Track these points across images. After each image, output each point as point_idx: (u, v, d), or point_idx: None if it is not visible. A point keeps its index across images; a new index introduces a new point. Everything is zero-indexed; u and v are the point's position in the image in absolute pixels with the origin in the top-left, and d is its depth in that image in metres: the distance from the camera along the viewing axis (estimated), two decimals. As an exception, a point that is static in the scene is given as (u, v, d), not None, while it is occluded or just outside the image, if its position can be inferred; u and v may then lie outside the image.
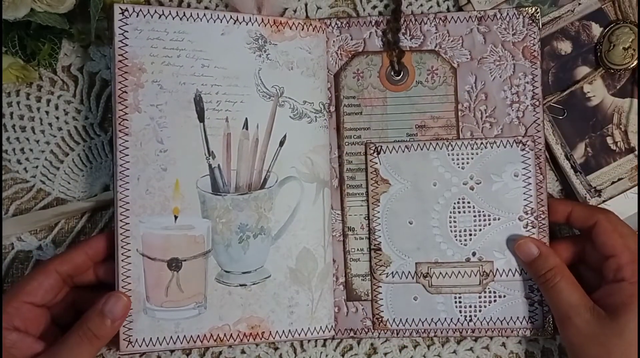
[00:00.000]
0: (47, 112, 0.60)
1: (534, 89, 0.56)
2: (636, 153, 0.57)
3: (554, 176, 0.59)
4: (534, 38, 0.56)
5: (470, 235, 0.56)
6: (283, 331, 0.55)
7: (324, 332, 0.56)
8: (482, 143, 0.56)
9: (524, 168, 0.56)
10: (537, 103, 0.56)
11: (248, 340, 0.55)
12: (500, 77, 0.57)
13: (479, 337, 0.58)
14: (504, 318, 0.56)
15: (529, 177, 0.56)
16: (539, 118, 0.56)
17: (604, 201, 0.57)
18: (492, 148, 0.56)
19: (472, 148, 0.56)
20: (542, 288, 0.54)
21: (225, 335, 0.54)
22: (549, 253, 0.54)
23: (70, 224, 0.60)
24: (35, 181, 0.60)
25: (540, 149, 0.56)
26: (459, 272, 0.56)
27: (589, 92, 0.58)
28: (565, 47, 0.58)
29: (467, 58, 0.57)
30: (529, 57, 0.56)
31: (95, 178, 0.60)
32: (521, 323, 0.56)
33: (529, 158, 0.56)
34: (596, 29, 0.57)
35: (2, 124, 0.60)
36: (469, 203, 0.56)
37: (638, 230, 0.55)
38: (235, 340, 0.54)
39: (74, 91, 0.60)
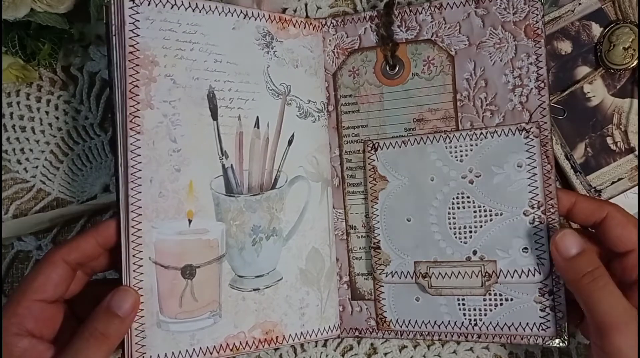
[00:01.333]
0: (47, 112, 0.60)
1: (538, 70, 0.52)
2: (636, 153, 0.57)
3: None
4: (537, 15, 0.52)
5: (471, 232, 0.53)
6: (296, 334, 0.54)
7: (331, 331, 0.56)
8: (481, 133, 0.53)
9: (528, 157, 0.51)
10: (542, 85, 0.52)
11: (263, 346, 0.53)
12: (500, 61, 0.53)
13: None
14: (512, 323, 0.52)
15: (534, 167, 0.51)
16: (544, 101, 0.52)
17: (603, 201, 0.57)
18: (492, 137, 0.53)
19: (471, 139, 0.53)
20: (583, 292, 0.45)
21: (241, 343, 0.52)
22: (592, 250, 0.47)
23: (70, 224, 0.60)
24: (35, 181, 0.60)
25: (547, 136, 0.51)
26: (459, 272, 0.53)
27: (589, 92, 0.58)
28: (565, 47, 0.58)
29: (465, 44, 0.54)
30: (532, 36, 0.52)
31: (95, 178, 0.60)
32: (531, 330, 0.52)
33: (534, 146, 0.51)
34: (596, 29, 0.58)
35: (2, 124, 0.59)
36: (468, 197, 0.53)
37: (638, 231, 0.55)
38: (251, 348, 0.52)
39: (74, 91, 0.60)
